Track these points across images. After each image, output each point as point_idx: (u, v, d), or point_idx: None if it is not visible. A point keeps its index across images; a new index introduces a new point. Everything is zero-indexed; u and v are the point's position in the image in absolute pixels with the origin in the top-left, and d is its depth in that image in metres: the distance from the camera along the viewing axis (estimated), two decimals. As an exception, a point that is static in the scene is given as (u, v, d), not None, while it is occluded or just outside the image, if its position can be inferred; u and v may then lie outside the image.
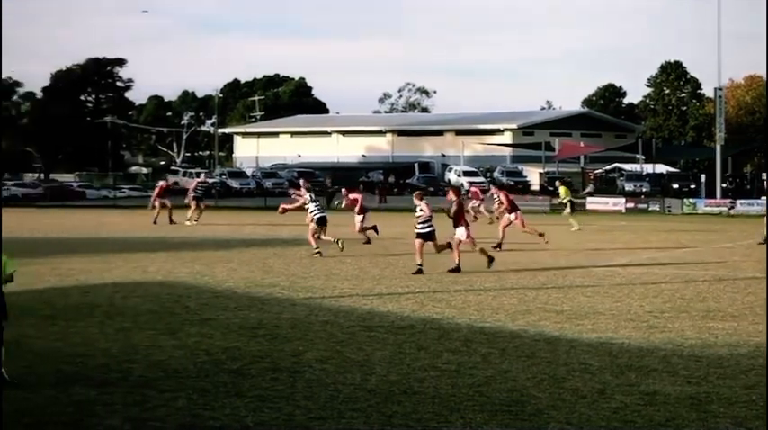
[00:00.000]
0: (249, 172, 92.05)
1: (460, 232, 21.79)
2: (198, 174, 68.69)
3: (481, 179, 78.33)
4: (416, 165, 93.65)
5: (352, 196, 31.68)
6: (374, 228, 29.82)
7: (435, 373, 11.15)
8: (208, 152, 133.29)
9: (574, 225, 37.01)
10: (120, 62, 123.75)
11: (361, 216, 30.02)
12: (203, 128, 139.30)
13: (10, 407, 9.31)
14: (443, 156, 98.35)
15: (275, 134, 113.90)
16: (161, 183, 43.51)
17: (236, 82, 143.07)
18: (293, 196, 30.51)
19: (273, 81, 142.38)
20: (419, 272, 20.94)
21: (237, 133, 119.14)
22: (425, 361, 11.87)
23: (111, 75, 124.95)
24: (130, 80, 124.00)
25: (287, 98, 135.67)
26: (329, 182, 72.17)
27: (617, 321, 14.94)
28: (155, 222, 39.62)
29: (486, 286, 19.38)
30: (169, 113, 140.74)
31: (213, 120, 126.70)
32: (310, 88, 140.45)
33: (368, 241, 29.17)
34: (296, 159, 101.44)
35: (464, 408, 9.54)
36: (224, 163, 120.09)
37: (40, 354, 12.11)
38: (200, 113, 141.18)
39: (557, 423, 9.09)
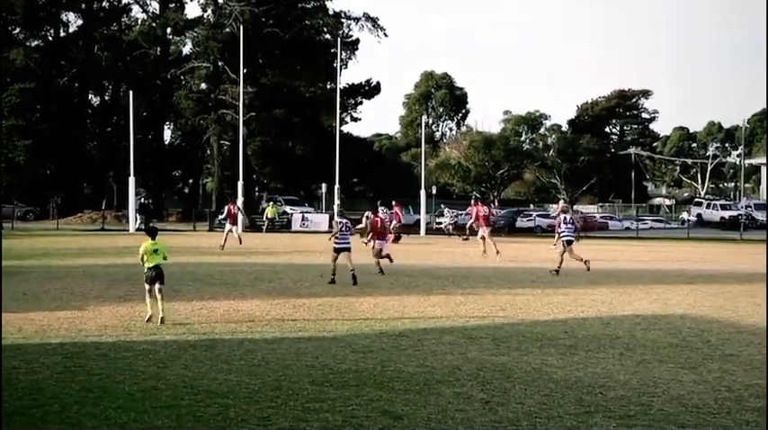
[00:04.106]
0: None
1: None
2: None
3: None
4: None
5: None
6: None
7: None
8: (733, 184, 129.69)
9: None
10: (646, 93, 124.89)
11: None
12: (729, 159, 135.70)
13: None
14: None
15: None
16: None
17: (765, 111, 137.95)
18: None
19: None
20: None
21: (766, 164, 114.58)
22: None
23: (635, 106, 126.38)
24: (656, 111, 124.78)
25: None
26: None
27: None
28: None
29: None
30: (694, 145, 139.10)
31: (740, 151, 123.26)
32: None
33: None
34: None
35: None
36: (749, 195, 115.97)
37: (560, 383, 12.39)
38: (726, 144, 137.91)
39: None
